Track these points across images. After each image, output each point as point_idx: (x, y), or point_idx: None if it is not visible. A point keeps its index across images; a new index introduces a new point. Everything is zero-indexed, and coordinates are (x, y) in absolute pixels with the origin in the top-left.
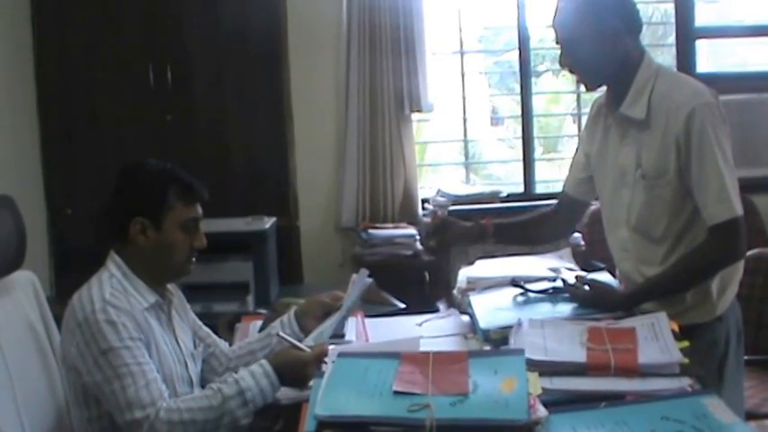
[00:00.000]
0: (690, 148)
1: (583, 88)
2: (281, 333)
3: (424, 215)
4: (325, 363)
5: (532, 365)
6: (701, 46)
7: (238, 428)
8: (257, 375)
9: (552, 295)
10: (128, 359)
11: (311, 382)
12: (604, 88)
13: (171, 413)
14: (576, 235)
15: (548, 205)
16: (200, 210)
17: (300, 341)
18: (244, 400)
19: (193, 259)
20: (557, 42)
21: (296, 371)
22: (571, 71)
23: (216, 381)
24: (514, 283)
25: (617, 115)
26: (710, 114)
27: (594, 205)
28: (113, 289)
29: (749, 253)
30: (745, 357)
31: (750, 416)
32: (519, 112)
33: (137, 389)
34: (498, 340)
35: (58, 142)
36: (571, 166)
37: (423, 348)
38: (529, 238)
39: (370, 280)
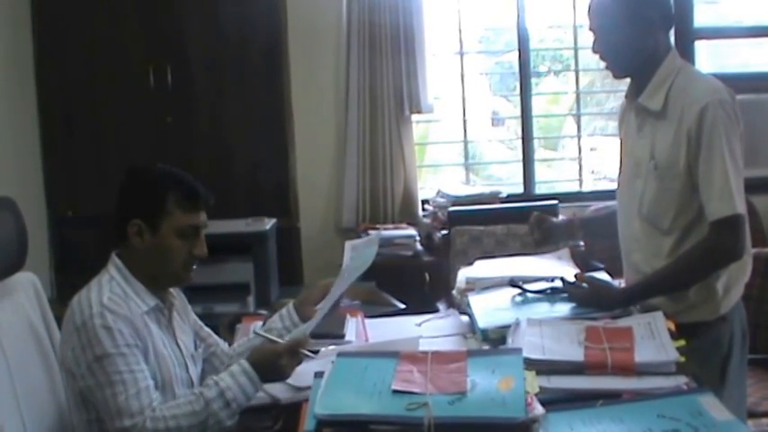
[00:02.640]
0: (700, 142)
1: (583, 88)
2: (258, 330)
3: (423, 216)
4: (309, 355)
5: (530, 364)
6: (700, 46)
7: (228, 429)
8: (236, 374)
9: (550, 295)
10: (121, 366)
11: (303, 377)
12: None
13: (156, 422)
14: None
15: (547, 206)
16: (202, 218)
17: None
18: (225, 401)
19: (193, 267)
20: (590, 29)
21: (270, 364)
22: (602, 58)
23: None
24: (513, 283)
25: (635, 106)
26: (723, 111)
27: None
28: (112, 293)
29: None
30: None
31: (748, 415)
32: (519, 113)
33: (127, 397)
34: (497, 340)
35: (59, 144)
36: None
37: (422, 348)
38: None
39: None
